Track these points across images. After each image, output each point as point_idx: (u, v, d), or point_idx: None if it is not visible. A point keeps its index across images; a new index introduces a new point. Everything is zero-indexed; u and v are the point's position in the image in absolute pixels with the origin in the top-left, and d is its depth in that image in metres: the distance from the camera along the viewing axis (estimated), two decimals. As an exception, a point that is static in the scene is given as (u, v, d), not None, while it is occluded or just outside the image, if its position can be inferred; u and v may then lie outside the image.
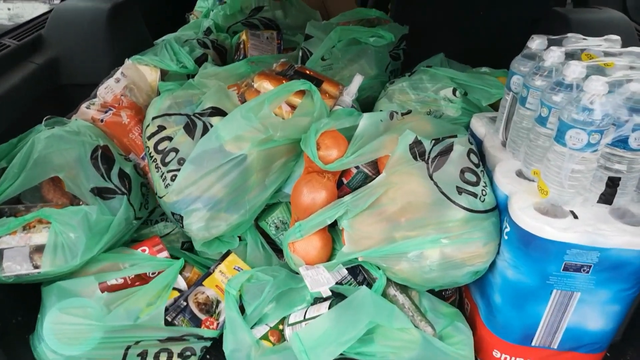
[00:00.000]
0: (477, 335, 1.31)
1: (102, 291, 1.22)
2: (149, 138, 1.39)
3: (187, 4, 3.00)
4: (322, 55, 1.91)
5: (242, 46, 2.16)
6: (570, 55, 1.22)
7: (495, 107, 1.61)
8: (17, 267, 1.16)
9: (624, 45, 1.30)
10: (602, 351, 1.24)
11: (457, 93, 1.59)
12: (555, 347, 1.23)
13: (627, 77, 1.05)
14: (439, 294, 1.40)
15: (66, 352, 1.14)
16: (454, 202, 1.20)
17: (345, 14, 2.08)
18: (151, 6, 2.77)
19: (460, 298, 1.47)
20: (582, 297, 1.13)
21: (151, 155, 1.38)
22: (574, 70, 1.09)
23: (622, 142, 1.05)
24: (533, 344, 1.23)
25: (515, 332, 1.23)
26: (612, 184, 1.09)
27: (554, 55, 1.18)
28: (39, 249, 1.19)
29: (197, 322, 1.30)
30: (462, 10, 2.18)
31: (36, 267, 1.18)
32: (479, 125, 1.48)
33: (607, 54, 1.21)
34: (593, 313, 1.16)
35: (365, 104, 1.88)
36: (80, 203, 1.32)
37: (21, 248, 1.18)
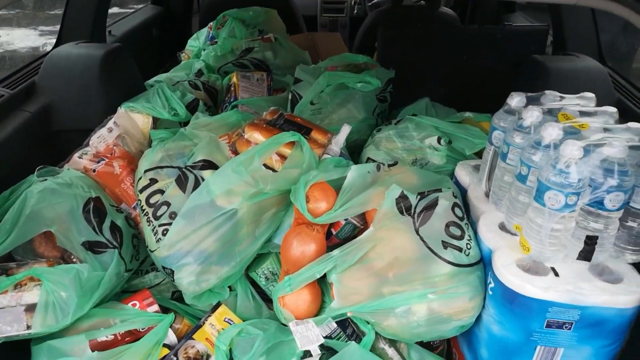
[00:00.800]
0: (465, 386, 1.34)
1: (93, 349, 1.22)
2: (141, 191, 1.41)
3: (178, 44, 3.06)
4: (311, 99, 1.96)
5: (232, 88, 2.20)
6: (549, 112, 1.27)
7: (479, 154, 1.65)
8: (7, 329, 1.17)
9: (598, 93, 1.36)
10: (585, 403, 1.26)
11: (442, 141, 1.64)
12: (541, 400, 1.25)
13: (601, 142, 1.10)
14: (427, 344, 1.42)
15: (56, 413, 1.14)
16: (439, 257, 1.23)
17: (333, 58, 2.14)
18: (144, 45, 2.82)
19: (449, 347, 1.49)
20: (566, 352, 1.16)
21: (143, 208, 1.40)
22: (551, 133, 1.14)
23: (598, 203, 1.10)
24: (519, 396, 1.25)
25: (502, 384, 1.25)
26: (590, 242, 1.13)
27: (533, 115, 1.23)
28: (30, 308, 1.19)
29: (187, 376, 1.30)
30: (446, 55, 2.24)
31: (27, 327, 1.18)
32: (463, 174, 1.52)
33: (582, 113, 1.26)
34: (576, 367, 1.18)
35: (354, 146, 1.92)
36: (72, 257, 1.34)
37: (12, 308, 1.18)
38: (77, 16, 2.14)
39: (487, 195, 1.41)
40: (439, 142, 1.64)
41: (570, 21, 2.07)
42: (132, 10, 3.15)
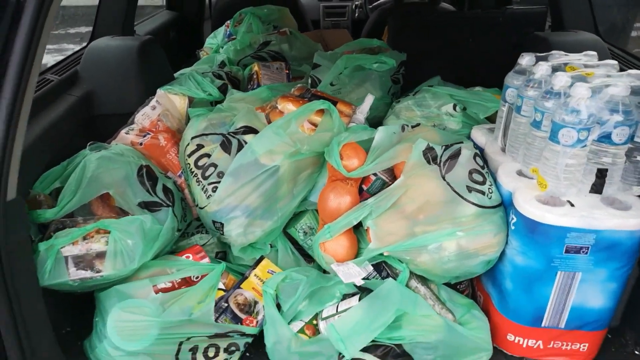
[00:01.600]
0: (492, 322, 1.45)
1: (156, 293, 1.35)
2: (189, 155, 1.55)
3: (193, 45, 3.22)
4: (330, 81, 2.10)
5: (255, 77, 2.35)
6: (556, 69, 1.42)
7: (491, 119, 1.80)
8: (81, 272, 1.29)
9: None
10: (603, 329, 1.39)
11: (457, 108, 1.78)
12: (563, 327, 1.37)
13: (605, 83, 1.24)
14: (454, 288, 1.55)
15: (128, 348, 1.26)
16: (465, 199, 1.37)
17: (349, 44, 2.29)
18: (165, 44, 2.98)
19: (473, 291, 1.62)
20: (583, 276, 1.29)
21: (192, 170, 1.53)
22: (561, 80, 1.28)
23: (606, 138, 1.24)
24: (543, 324, 1.38)
25: (526, 314, 1.38)
26: (601, 175, 1.27)
27: (543, 69, 1.37)
28: (99, 256, 1.32)
29: (238, 321, 1.43)
30: (452, 38, 2.40)
31: (98, 271, 1.31)
32: (479, 135, 1.66)
33: (586, 66, 1.41)
34: (593, 291, 1.31)
35: (373, 124, 2.04)
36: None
37: (83, 255, 1.31)
38: (109, 14, 2.30)
39: (503, 150, 1.55)
40: (454, 108, 1.78)
41: (567, 3, 2.23)
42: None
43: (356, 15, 4.73)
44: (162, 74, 2.12)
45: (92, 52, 2.00)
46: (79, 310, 1.51)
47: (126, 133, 1.72)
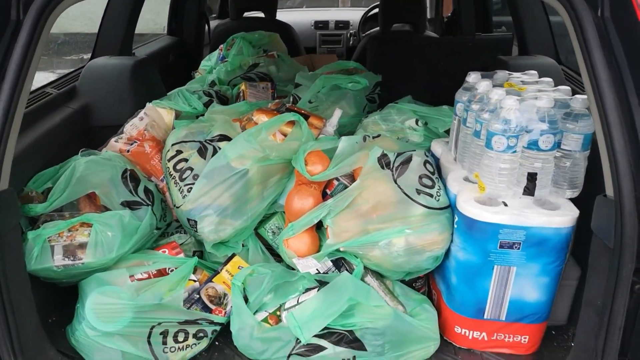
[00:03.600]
0: (442, 317, 1.58)
1: (132, 281, 1.49)
2: (169, 160, 1.71)
3: (196, 65, 3.44)
4: (309, 99, 2.28)
5: (241, 95, 2.53)
6: (498, 86, 1.58)
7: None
8: (65, 260, 1.44)
9: (554, 81, 1.66)
10: (542, 322, 1.51)
11: (419, 122, 1.94)
12: (504, 319, 1.49)
13: (534, 97, 1.40)
14: (411, 285, 1.68)
15: (104, 329, 1.40)
16: (414, 201, 1.51)
17: (328, 65, 2.48)
18: (162, 67, 3.19)
19: (429, 290, 1.74)
20: (518, 271, 1.42)
21: (170, 174, 1.69)
22: (496, 93, 1.44)
23: (534, 145, 1.38)
24: (485, 316, 1.50)
25: (469, 307, 1.50)
26: (532, 178, 1.41)
27: (483, 85, 1.54)
28: (82, 246, 1.47)
29: (208, 311, 1.56)
30: (426, 62, 2.58)
31: (79, 259, 1.46)
32: (437, 146, 1.81)
33: (524, 83, 1.57)
34: (528, 285, 1.44)
35: (347, 137, 2.22)
36: (112, 214, 1.62)
37: (67, 244, 1.46)
38: (108, 36, 2.51)
39: (455, 160, 1.70)
40: (416, 123, 1.94)
41: (531, 29, 2.42)
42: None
43: (351, 42, 4.97)
44: (154, 90, 2.31)
45: (90, 69, 2.20)
46: (64, 302, 1.64)
47: (115, 141, 1.89)
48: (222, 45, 3.09)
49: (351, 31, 4.92)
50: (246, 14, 3.98)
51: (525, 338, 1.51)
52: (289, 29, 3.71)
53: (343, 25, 4.93)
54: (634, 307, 1.19)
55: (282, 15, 4.64)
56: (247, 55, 2.90)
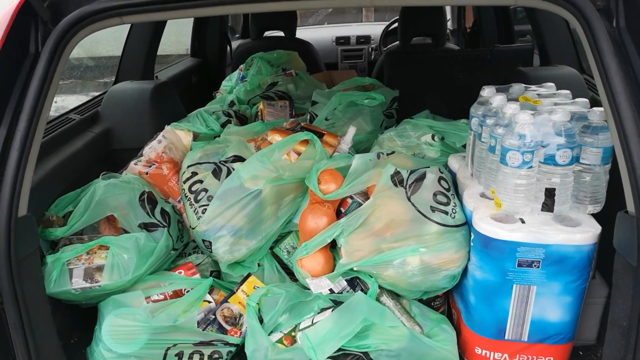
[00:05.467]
0: (462, 337, 1.54)
1: (147, 303, 1.50)
2: (185, 182, 1.74)
3: (218, 85, 3.50)
4: (325, 116, 2.28)
5: (259, 114, 2.56)
6: (513, 100, 1.54)
7: (469, 148, 1.91)
8: (82, 282, 1.47)
9: (574, 93, 1.62)
10: (566, 342, 1.44)
11: (435, 138, 1.91)
12: (526, 340, 1.44)
13: (550, 109, 1.36)
14: (429, 304, 1.64)
15: (119, 350, 1.41)
16: (428, 219, 1.48)
17: (345, 82, 2.48)
18: (185, 88, 3.27)
19: (449, 309, 1.70)
20: (539, 290, 1.37)
21: (186, 195, 1.71)
22: (510, 107, 1.41)
23: (551, 160, 1.34)
24: (506, 337, 1.44)
25: (489, 327, 1.45)
26: (550, 194, 1.36)
27: (498, 99, 1.50)
28: (99, 268, 1.50)
29: (223, 332, 1.56)
30: (444, 75, 2.55)
31: (96, 282, 1.48)
32: (454, 162, 1.78)
33: (541, 96, 1.53)
34: (550, 304, 1.38)
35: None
36: (130, 236, 1.65)
37: (85, 267, 1.49)
38: (130, 62, 2.59)
39: (472, 175, 1.66)
40: (433, 138, 1.91)
41: (551, 39, 2.36)
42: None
43: (372, 57, 4.97)
44: (174, 112, 2.36)
45: (112, 95, 2.26)
46: (86, 323, 1.67)
47: (135, 164, 1.93)
48: (242, 65, 3.14)
49: (372, 46, 4.93)
50: (267, 34, 4.04)
51: (549, 359, 1.45)
52: (308, 47, 3.74)
53: (364, 40, 4.94)
54: (662, 329, 1.13)
55: (303, 32, 4.70)
56: (266, 75, 2.93)
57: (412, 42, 3.56)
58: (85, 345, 1.61)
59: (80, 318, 1.71)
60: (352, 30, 5.09)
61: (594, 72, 1.23)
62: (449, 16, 5.02)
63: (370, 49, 4.95)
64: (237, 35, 4.84)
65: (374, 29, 4.92)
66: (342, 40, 4.93)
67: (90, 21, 1.38)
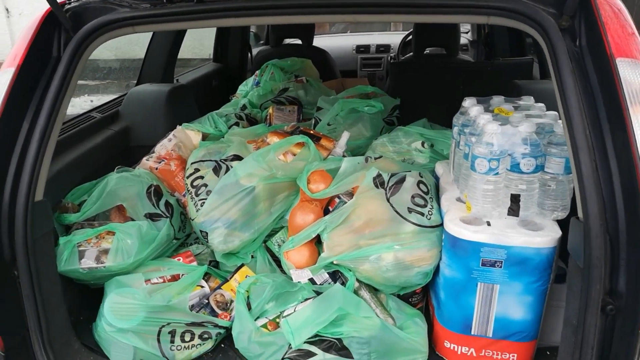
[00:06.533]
0: (434, 331, 1.64)
1: (147, 284, 1.67)
2: (187, 177, 1.90)
3: (234, 89, 3.69)
4: (328, 121, 2.42)
5: (268, 117, 2.71)
6: (491, 111, 1.64)
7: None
8: (90, 262, 1.65)
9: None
10: (530, 340, 1.52)
11: (425, 145, 2.02)
12: (491, 336, 1.53)
13: (515, 122, 1.46)
14: (407, 300, 1.74)
15: (119, 325, 1.57)
16: (405, 219, 1.59)
17: (349, 90, 2.61)
18: (204, 92, 3.46)
19: (427, 306, 1.80)
20: (501, 288, 1.46)
21: (188, 190, 1.88)
22: (483, 118, 1.51)
23: (516, 167, 1.44)
24: (472, 332, 1.54)
25: (457, 322, 1.55)
26: (515, 200, 1.46)
27: (475, 110, 1.61)
28: (106, 251, 1.67)
29: (215, 315, 1.70)
30: (446, 86, 2.65)
31: (102, 263, 1.65)
32: (439, 168, 1.88)
33: (517, 108, 1.62)
34: (512, 303, 1.47)
35: (362, 158, 2.33)
36: (136, 224, 1.82)
37: (93, 249, 1.67)
38: (152, 65, 2.79)
39: (453, 180, 1.76)
40: (422, 145, 2.02)
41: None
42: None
43: (391, 65, 5.08)
44: (188, 114, 2.53)
45: (132, 96, 2.46)
46: (94, 302, 1.85)
47: (147, 160, 2.11)
48: (257, 72, 3.30)
49: (392, 54, 5.03)
50: (287, 41, 4.21)
51: (513, 356, 1.53)
52: (324, 54, 3.89)
53: (384, 49, 5.06)
54: (608, 328, 1.21)
55: (325, 40, 4.85)
56: (279, 81, 3.09)
57: (426, 52, 3.67)
58: (92, 322, 1.78)
59: (89, 298, 1.88)
60: (373, 39, 5.21)
61: (555, 88, 1.33)
62: (468, 27, 5.10)
63: (389, 58, 5.06)
64: (262, 42, 5.03)
65: (394, 39, 5.02)
66: (362, 49, 5.05)
67: (106, 30, 1.56)
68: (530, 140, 1.42)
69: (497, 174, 1.43)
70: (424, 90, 2.68)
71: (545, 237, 1.40)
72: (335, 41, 5.25)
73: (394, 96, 2.65)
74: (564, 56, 1.29)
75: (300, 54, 3.49)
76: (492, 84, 2.54)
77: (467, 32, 5.06)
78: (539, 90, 2.13)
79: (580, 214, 1.23)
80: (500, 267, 1.44)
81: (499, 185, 1.46)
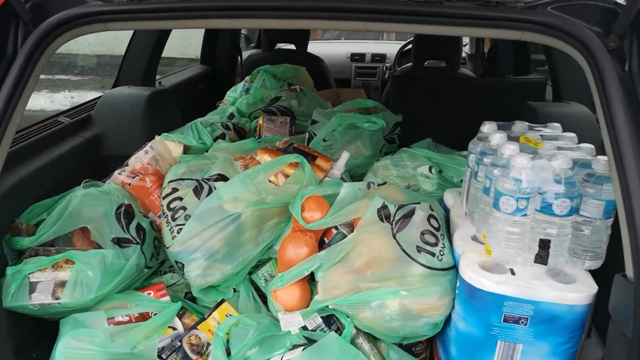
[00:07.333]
0: (442, 389, 1.43)
1: (109, 325, 1.42)
2: (164, 198, 1.66)
3: (221, 94, 3.46)
4: (323, 137, 2.20)
5: (258, 128, 2.49)
6: (514, 139, 1.44)
7: (468, 184, 1.81)
8: (42, 298, 1.40)
9: (584, 134, 1.51)
10: (553, 407, 1.32)
11: (433, 170, 1.81)
12: (509, 401, 1.32)
13: (549, 156, 1.26)
14: (410, 349, 1.53)
15: (72, 375, 1.33)
16: (413, 259, 1.38)
17: (347, 103, 2.40)
18: (190, 96, 3.22)
19: (432, 356, 1.59)
20: (525, 349, 1.25)
21: (164, 212, 1.64)
22: (508, 148, 1.31)
23: (548, 209, 1.23)
24: (487, 395, 1.33)
25: (470, 383, 1.34)
26: (544, 245, 1.26)
27: (497, 137, 1.40)
28: (63, 284, 1.42)
29: (188, 361, 1.47)
30: (451, 103, 2.46)
31: (57, 298, 1.41)
32: (449, 197, 1.68)
33: (545, 138, 1.42)
34: (537, 366, 1.27)
35: (359, 179, 2.11)
36: (102, 251, 1.57)
37: (48, 282, 1.42)
38: (132, 66, 2.54)
39: (466, 214, 1.56)
40: (430, 170, 1.82)
41: (565, 73, 2.25)
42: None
43: (386, 76, 4.89)
44: (169, 122, 2.30)
45: (106, 99, 2.21)
46: (52, 335, 1.60)
47: (119, 174, 1.86)
48: (247, 77, 3.08)
49: (387, 64, 4.85)
50: (279, 45, 3.99)
51: None
52: (319, 62, 3.68)
53: (379, 58, 4.88)
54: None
55: (318, 46, 4.64)
56: (270, 89, 2.87)
57: (425, 64, 3.48)
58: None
59: (45, 329, 1.63)
60: (369, 47, 5.02)
61: (600, 118, 1.14)
62: (467, 40, 4.94)
63: (384, 68, 4.88)
64: (252, 45, 4.80)
65: (390, 48, 4.85)
66: (357, 57, 4.87)
67: (72, 25, 1.32)
68: (566, 178, 1.22)
69: (525, 214, 1.23)
70: (428, 106, 2.49)
71: (580, 292, 1.20)
72: (329, 47, 5.05)
73: (395, 111, 2.45)
74: (613, 82, 1.10)
75: (293, 60, 3.28)
76: (501, 103, 2.36)
77: (465, 45, 4.91)
78: (557, 115, 1.95)
79: (629, 272, 1.04)
80: (525, 324, 1.23)
81: (526, 228, 1.26)
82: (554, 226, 1.25)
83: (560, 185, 1.22)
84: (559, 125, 1.51)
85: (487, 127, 1.51)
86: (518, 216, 1.23)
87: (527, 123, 1.53)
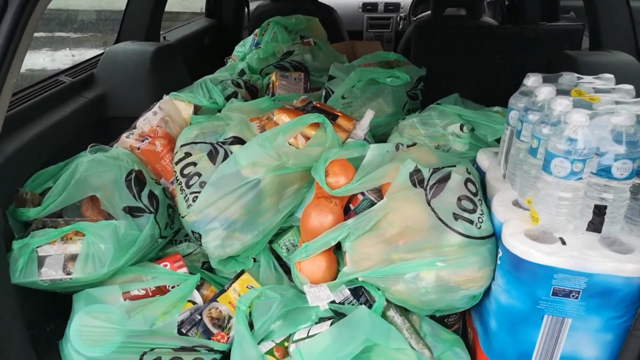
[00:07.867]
0: (477, 362, 1.35)
1: (125, 300, 1.34)
2: (177, 163, 1.54)
3: (228, 52, 3.27)
4: (342, 94, 2.05)
5: (271, 86, 2.33)
6: (564, 92, 1.29)
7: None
8: (52, 273, 1.31)
9: (633, 84, 1.35)
10: (600, 382, 1.24)
11: (465, 128, 1.68)
12: (552, 376, 1.24)
13: (610, 111, 1.12)
14: (442, 320, 1.44)
15: (89, 353, 1.26)
16: (450, 228, 1.27)
17: (367, 56, 2.23)
18: (195, 52, 3.04)
19: (464, 326, 1.50)
20: (574, 323, 1.16)
21: (177, 178, 1.53)
22: (560, 104, 1.17)
23: (606, 172, 1.11)
24: (529, 371, 1.25)
25: (510, 357, 1.25)
26: (599, 212, 1.14)
27: (545, 91, 1.26)
28: (73, 258, 1.33)
29: (208, 335, 1.39)
30: (478, 55, 2.28)
31: (68, 273, 1.32)
32: (483, 158, 1.55)
33: (597, 91, 1.27)
34: (586, 341, 1.17)
35: (382, 139, 1.98)
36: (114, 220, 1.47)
37: (58, 256, 1.33)
38: (134, 19, 2.37)
39: (504, 177, 1.43)
40: (461, 129, 1.68)
41: (607, 20, 2.06)
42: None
43: (400, 27, 4.65)
44: (177, 79, 2.15)
45: (109, 56, 2.06)
46: (66, 309, 1.53)
47: (127, 137, 1.74)
48: (256, 30, 2.89)
49: (401, 14, 4.61)
50: None
51: (577, 400, 1.25)
52: (332, 13, 3.46)
53: (393, 7, 4.62)
54: None
55: (327, -5, 4.39)
56: (282, 42, 2.69)
57: (445, 13, 3.26)
58: (60, 333, 1.47)
59: (60, 303, 1.56)
60: None
61: None
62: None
63: (398, 18, 4.64)
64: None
65: None
66: (369, 7, 4.61)
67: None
68: (628, 137, 1.09)
69: (580, 178, 1.10)
70: (453, 58, 2.31)
71: (639, 263, 1.09)
72: None
73: (418, 64, 2.28)
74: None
75: (303, 10, 3.07)
76: (535, 53, 2.18)
77: None
78: (601, 65, 1.78)
79: None
80: (577, 298, 1.13)
81: (579, 193, 1.13)
82: (611, 190, 1.12)
83: (621, 145, 1.09)
84: (612, 76, 1.36)
85: (532, 80, 1.35)
86: (572, 180, 1.10)
87: (575, 75, 1.38)
